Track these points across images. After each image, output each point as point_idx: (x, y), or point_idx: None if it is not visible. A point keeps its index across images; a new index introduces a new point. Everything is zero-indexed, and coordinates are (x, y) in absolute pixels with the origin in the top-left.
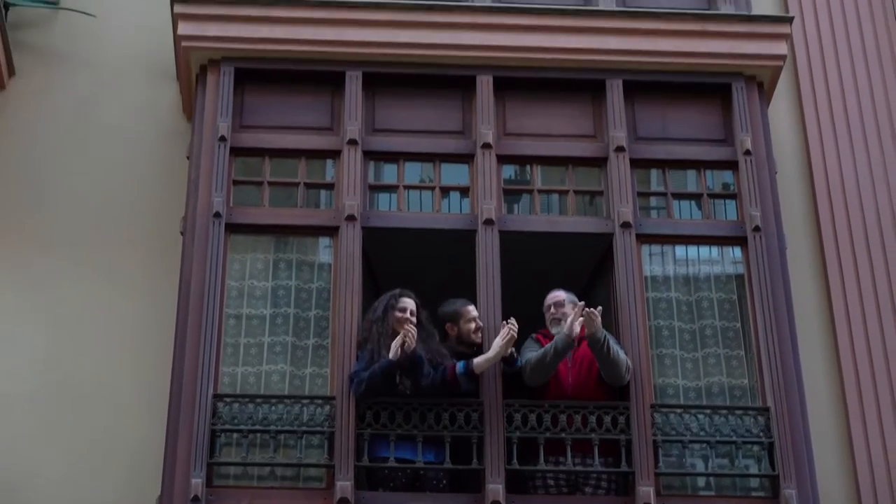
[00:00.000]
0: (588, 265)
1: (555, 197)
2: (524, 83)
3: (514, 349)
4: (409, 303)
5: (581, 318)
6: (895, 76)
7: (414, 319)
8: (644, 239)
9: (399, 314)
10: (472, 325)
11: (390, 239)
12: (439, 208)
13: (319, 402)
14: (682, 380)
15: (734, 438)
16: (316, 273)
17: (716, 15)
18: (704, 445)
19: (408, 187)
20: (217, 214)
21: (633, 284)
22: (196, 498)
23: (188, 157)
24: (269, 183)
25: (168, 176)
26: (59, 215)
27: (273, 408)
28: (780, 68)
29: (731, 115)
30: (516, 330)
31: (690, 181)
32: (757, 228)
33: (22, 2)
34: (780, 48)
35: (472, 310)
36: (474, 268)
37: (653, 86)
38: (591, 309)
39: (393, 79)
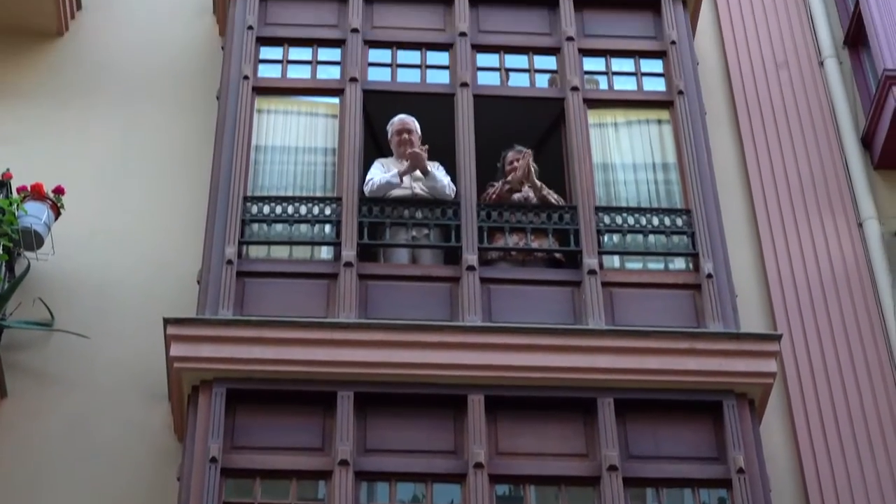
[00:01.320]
0: None
1: None
2: (516, 402)
3: None
4: None
5: None
6: (883, 387)
7: None
8: None
9: None
10: None
11: None
12: None
13: None
14: None
15: None
16: None
17: (704, 333)
18: None
19: None
20: None
21: None
22: None
23: (179, 479)
24: None
25: (159, 498)
26: None
27: None
28: (770, 385)
29: (724, 433)
30: None
31: (686, 499)
32: None
33: (16, 324)
34: (770, 366)
35: None
36: None
37: (644, 403)
38: None
39: (384, 398)
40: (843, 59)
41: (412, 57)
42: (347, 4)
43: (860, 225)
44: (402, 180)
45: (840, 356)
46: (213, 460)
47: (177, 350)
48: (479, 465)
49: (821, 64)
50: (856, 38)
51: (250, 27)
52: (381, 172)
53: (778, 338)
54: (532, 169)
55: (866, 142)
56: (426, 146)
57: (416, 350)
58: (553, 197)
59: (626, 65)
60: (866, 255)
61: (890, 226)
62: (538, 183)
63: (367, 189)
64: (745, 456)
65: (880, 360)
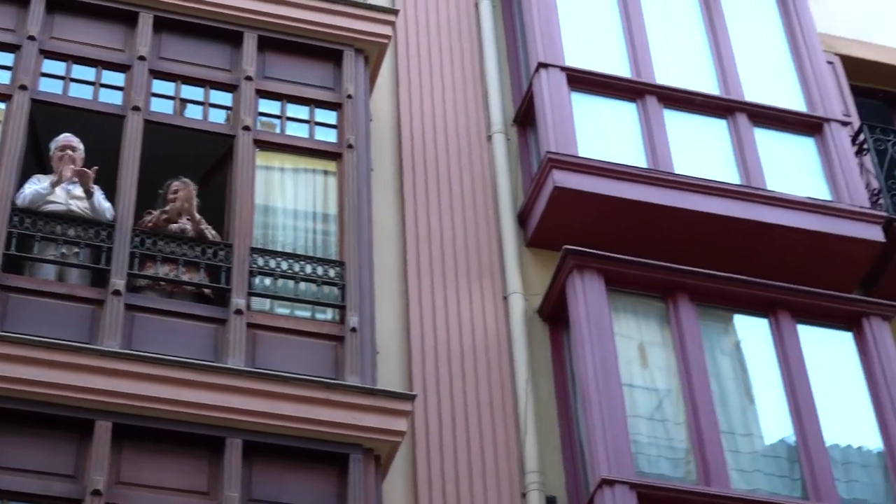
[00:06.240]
0: None
1: None
2: (145, 432)
3: None
4: None
5: None
6: (507, 461)
7: None
8: None
9: None
10: None
11: None
12: None
13: None
14: None
15: None
16: None
17: (341, 385)
18: None
19: None
20: None
21: None
22: None
23: None
24: None
25: None
26: None
27: None
28: (397, 444)
29: (347, 486)
30: None
31: None
32: None
33: None
34: (400, 425)
35: None
36: None
37: (273, 448)
38: None
39: (14, 415)
40: (511, 136)
41: (87, 73)
42: (28, 10)
43: (505, 298)
44: (53, 190)
45: (470, 426)
46: None
47: None
48: (97, 493)
49: (489, 138)
50: (526, 117)
51: None
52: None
53: (411, 398)
54: (194, 202)
55: (522, 219)
56: (95, 167)
57: (51, 370)
58: (210, 233)
59: (302, 112)
60: (508, 329)
61: (533, 302)
62: (197, 216)
63: (18, 200)
64: None
65: (507, 433)
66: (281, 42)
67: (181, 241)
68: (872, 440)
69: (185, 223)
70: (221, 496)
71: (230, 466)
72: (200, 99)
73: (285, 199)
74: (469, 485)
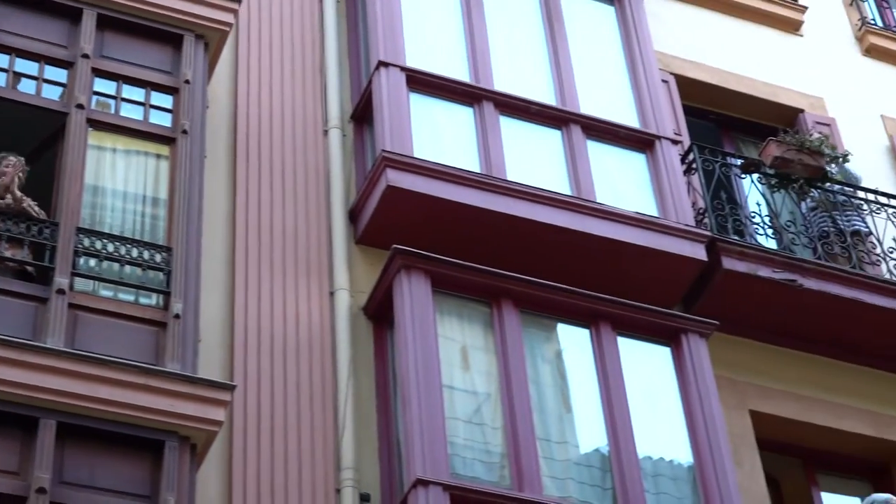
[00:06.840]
0: None
1: None
2: None
3: None
4: None
5: None
6: (322, 456)
7: None
8: None
9: None
10: None
11: None
12: None
13: None
14: None
15: None
16: None
17: (160, 372)
18: None
19: None
20: None
21: None
22: None
23: None
24: None
25: None
26: None
27: None
28: (214, 433)
29: (160, 473)
30: None
31: None
32: None
33: None
34: (218, 414)
35: None
36: None
37: (88, 431)
38: None
39: None
40: (347, 132)
41: None
42: None
43: (332, 294)
44: None
45: (288, 420)
46: None
47: None
48: None
49: (325, 132)
50: (363, 114)
51: None
52: None
53: (231, 388)
54: (16, 179)
55: (353, 216)
56: None
57: None
58: (35, 210)
59: (138, 94)
60: (332, 325)
61: (359, 300)
62: (18, 194)
63: None
64: (178, 499)
65: (325, 429)
66: (121, 22)
67: (6, 217)
68: (683, 454)
69: (9, 199)
70: (32, 477)
71: (42, 447)
72: (35, 74)
73: (116, 181)
74: (284, 478)
